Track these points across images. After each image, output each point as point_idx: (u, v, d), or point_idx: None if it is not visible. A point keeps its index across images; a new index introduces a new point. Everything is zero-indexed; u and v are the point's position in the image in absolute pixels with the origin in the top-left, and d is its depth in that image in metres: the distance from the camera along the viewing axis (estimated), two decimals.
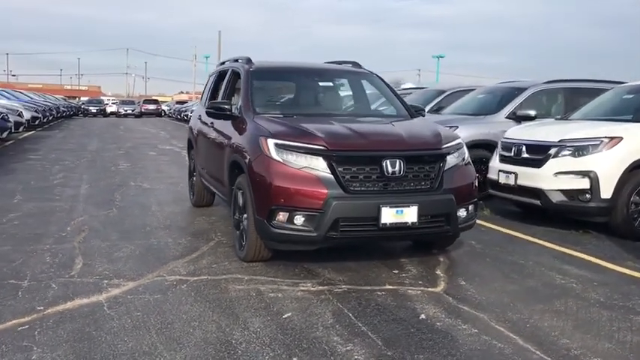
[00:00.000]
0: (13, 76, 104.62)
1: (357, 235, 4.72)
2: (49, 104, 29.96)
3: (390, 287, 4.62)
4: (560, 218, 6.98)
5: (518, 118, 8.69)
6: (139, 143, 19.17)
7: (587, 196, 6.29)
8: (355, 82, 6.60)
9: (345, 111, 6.25)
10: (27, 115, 22.08)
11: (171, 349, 3.40)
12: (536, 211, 7.16)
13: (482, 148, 8.56)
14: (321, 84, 6.51)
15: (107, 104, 55.73)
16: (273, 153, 4.72)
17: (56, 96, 46.22)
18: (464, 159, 5.20)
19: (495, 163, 7.38)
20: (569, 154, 6.42)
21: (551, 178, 6.45)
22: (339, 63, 7.10)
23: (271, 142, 4.77)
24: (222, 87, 6.71)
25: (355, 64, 6.88)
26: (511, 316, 4.03)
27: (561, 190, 6.42)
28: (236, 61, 6.75)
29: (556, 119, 8.15)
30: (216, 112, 5.79)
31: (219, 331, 3.68)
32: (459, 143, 5.22)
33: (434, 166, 4.88)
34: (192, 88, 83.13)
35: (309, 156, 4.65)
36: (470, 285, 4.72)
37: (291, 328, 3.74)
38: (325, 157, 4.63)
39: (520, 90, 9.26)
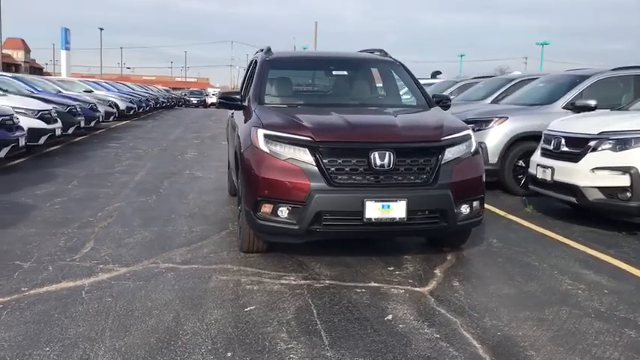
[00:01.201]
0: (128, 68, 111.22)
1: (341, 229, 4.56)
2: (146, 95, 31.58)
3: (375, 284, 4.43)
4: (610, 219, 6.39)
5: (576, 108, 8.03)
6: (220, 133, 19.68)
7: (628, 194, 5.70)
8: (377, 71, 6.38)
9: (359, 101, 6.04)
10: (122, 105, 23.46)
11: (116, 336, 3.45)
12: (587, 210, 6.57)
13: (532, 141, 8.02)
14: (335, 73, 6.34)
15: (207, 95, 57.97)
16: (262, 144, 4.66)
17: (159, 87, 48.70)
18: (471, 152, 4.87)
19: (536, 156, 6.88)
20: (609, 148, 5.84)
21: (587, 174, 5.91)
22: (371, 52, 6.90)
23: (261, 133, 4.71)
24: (247, 77, 6.73)
25: (382, 52, 6.65)
26: (486, 323, 3.73)
27: (599, 188, 5.86)
28: (261, 51, 6.73)
29: (613, 109, 7.45)
30: (227, 102, 5.82)
31: (173, 321, 3.68)
32: (465, 135, 4.90)
33: (429, 159, 4.60)
34: None
35: (295, 147, 4.55)
36: (462, 286, 4.42)
37: (245, 322, 3.68)
38: (311, 149, 4.50)
39: (582, 78, 8.57)
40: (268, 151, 4.61)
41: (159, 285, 4.35)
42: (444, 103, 6.01)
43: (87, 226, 6.07)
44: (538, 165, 6.65)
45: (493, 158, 8.15)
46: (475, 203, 4.84)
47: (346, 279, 4.54)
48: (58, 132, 12.36)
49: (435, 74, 23.27)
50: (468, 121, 8.37)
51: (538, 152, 6.88)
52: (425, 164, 4.59)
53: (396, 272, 4.73)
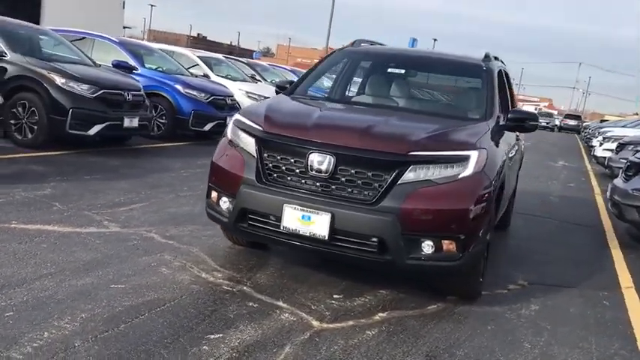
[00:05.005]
0: None
1: (262, 233, 3.99)
2: None
3: (283, 305, 3.82)
4: None
5: None
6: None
7: None
8: (459, 76, 5.35)
9: (412, 105, 5.14)
10: None
11: None
12: None
13: None
14: (390, 71, 5.47)
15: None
16: (229, 130, 4.42)
17: None
18: (459, 177, 3.75)
19: None
20: None
21: None
22: (496, 57, 5.81)
23: (233, 119, 4.48)
24: None
25: (487, 56, 5.50)
26: None
27: None
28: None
29: None
30: (278, 90, 5.61)
31: (47, 277, 3.75)
32: (458, 156, 3.79)
33: (380, 174, 3.72)
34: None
35: (247, 136, 4.18)
36: (370, 337, 3.50)
37: (86, 295, 3.56)
38: (257, 140, 4.08)
39: None
40: (229, 138, 4.35)
41: (111, 249, 4.42)
42: (529, 120, 4.80)
43: (166, 193, 6.50)
44: None
45: None
46: (449, 243, 3.73)
47: (266, 291, 4.01)
48: None
49: None
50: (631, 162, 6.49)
51: None
52: (373, 179, 3.73)
53: (332, 301, 3.98)
